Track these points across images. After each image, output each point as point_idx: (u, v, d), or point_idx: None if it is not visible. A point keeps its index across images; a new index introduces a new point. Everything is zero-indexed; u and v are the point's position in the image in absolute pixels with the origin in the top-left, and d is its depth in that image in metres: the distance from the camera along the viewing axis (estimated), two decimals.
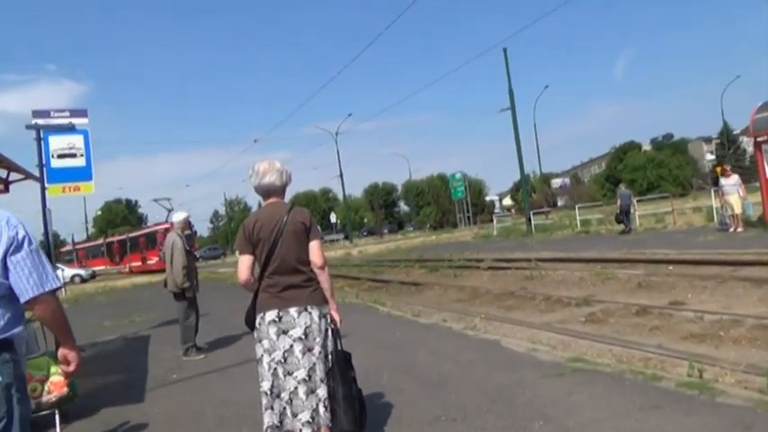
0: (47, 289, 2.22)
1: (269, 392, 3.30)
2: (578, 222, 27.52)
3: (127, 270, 46.81)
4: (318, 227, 3.62)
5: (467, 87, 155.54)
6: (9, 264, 2.17)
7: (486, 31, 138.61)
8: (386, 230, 76.74)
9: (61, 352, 2.39)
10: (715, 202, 19.83)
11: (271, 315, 3.33)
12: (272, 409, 3.29)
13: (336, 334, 3.56)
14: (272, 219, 3.41)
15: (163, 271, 7.85)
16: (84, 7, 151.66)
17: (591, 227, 25.76)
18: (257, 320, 3.40)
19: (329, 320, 3.49)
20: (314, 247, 3.44)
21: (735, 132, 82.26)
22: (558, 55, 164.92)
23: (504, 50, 30.53)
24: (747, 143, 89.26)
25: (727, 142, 74.05)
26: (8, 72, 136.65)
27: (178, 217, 7.81)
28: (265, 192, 3.51)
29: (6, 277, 2.17)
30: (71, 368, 2.42)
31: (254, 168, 3.52)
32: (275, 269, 3.37)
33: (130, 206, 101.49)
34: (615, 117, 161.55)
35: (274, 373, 3.29)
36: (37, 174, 10.04)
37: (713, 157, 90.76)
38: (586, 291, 9.69)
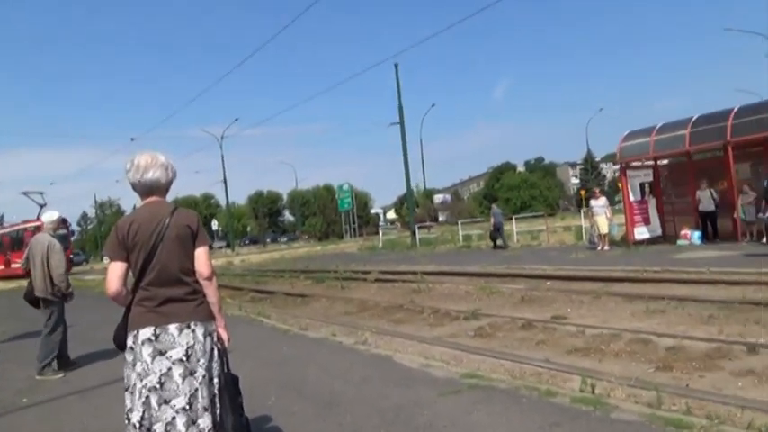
0: None
1: (138, 425, 2.78)
2: (461, 237, 28.43)
3: None
4: (206, 232, 3.16)
5: (356, 100, 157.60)
6: None
7: (378, 45, 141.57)
8: (268, 239, 75.00)
9: None
10: (584, 222, 21.37)
11: (146, 333, 2.82)
12: None
13: (224, 354, 3.11)
14: (151, 220, 2.90)
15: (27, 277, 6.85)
16: None
17: (472, 242, 26.69)
18: (129, 339, 2.87)
19: (215, 339, 3.04)
20: (201, 254, 2.98)
21: (596, 159, 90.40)
22: (445, 74, 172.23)
23: (396, 66, 31.04)
24: (607, 169, 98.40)
25: (590, 168, 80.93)
26: None
27: (50, 216, 6.98)
28: (147, 190, 2.99)
29: None
30: None
31: (134, 162, 2.98)
32: (153, 279, 2.87)
33: None
34: (494, 139, 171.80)
35: (146, 402, 2.77)
36: None
37: (577, 180, 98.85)
38: (473, 304, 9.81)
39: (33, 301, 6.77)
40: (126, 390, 2.84)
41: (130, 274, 2.93)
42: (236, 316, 10.02)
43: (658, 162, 17.39)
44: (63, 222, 30.86)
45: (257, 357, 6.38)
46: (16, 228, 37.63)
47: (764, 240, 13.99)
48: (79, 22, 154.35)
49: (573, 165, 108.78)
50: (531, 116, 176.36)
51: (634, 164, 16.96)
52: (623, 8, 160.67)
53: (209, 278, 2.97)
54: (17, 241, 35.76)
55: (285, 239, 74.06)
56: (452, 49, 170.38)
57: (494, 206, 23.19)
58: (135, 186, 2.99)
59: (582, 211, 22.78)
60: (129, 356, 2.86)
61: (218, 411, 2.95)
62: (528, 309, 9.12)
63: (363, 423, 4.10)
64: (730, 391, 4.56)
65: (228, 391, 3.04)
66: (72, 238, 40.69)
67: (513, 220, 27.59)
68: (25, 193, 28.26)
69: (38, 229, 16.42)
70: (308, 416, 4.36)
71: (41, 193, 28.81)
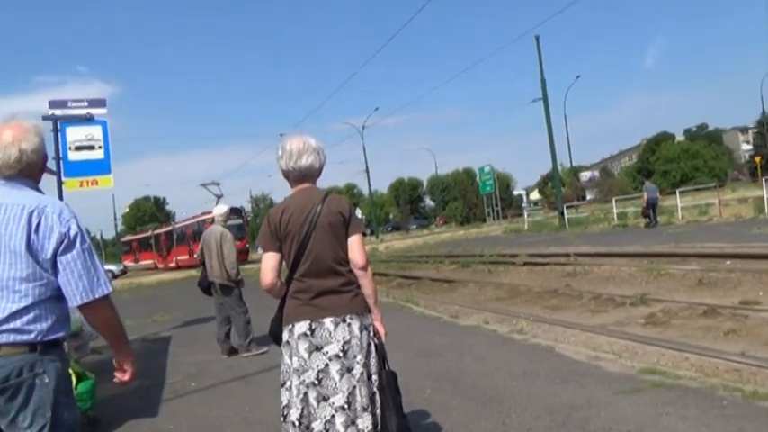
0: (96, 296, 2.04)
1: (297, 423, 2.65)
2: (615, 215, 26.41)
3: (174, 265, 41.68)
4: (360, 218, 2.94)
5: (493, 79, 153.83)
6: (59, 263, 2.00)
7: (515, 19, 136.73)
8: (414, 226, 75.93)
9: (116, 360, 2.27)
10: (767, 193, 18.69)
11: (301, 327, 2.67)
12: None
13: (382, 350, 2.89)
14: (303, 208, 2.74)
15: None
16: (112, 6, 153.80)
17: (628, 220, 24.66)
18: (284, 333, 2.75)
19: (372, 333, 2.83)
20: (354, 242, 2.77)
21: None
22: (590, 44, 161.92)
23: (537, 38, 29.43)
24: None
25: (766, 132, 71.32)
26: (39, 74, 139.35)
27: (220, 210, 7.61)
28: (300, 176, 2.83)
29: (56, 276, 2.01)
30: (126, 377, 2.31)
31: (286, 147, 2.82)
32: (307, 270, 2.71)
33: (158, 203, 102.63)
34: (647, 108, 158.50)
35: (304, 399, 2.63)
36: (53, 168, 9.58)
37: (750, 147, 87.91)
38: (639, 288, 8.87)
39: (206, 288, 7.25)
40: (282, 385, 2.73)
41: (285, 265, 2.82)
42: (385, 303, 9.98)
43: None
44: (236, 213, 32.88)
45: (409, 347, 6.21)
46: (197, 219, 37.74)
47: None
48: (225, 27, 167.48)
49: (743, 129, 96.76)
50: (689, 80, 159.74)
51: None
52: None
53: (363, 268, 2.76)
54: (198, 233, 35.10)
55: (413, 226, 73.85)
56: (596, 15, 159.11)
57: (647, 182, 21.79)
58: (288, 173, 2.85)
59: (764, 179, 19.88)
60: (285, 351, 2.74)
61: (377, 412, 2.74)
62: (707, 293, 8.02)
63: (531, 424, 3.69)
64: None
65: (390, 389, 2.83)
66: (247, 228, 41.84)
67: (677, 193, 24.91)
68: (203, 185, 29.05)
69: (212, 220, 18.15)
70: (469, 412, 4.05)
71: (218, 185, 29.22)
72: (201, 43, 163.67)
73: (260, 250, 3.09)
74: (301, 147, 2.79)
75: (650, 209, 20.37)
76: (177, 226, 44.31)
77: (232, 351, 7.20)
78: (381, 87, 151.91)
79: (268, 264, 2.76)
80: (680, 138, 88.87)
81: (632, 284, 9.47)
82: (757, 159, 58.95)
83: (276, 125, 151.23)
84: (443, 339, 6.57)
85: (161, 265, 45.96)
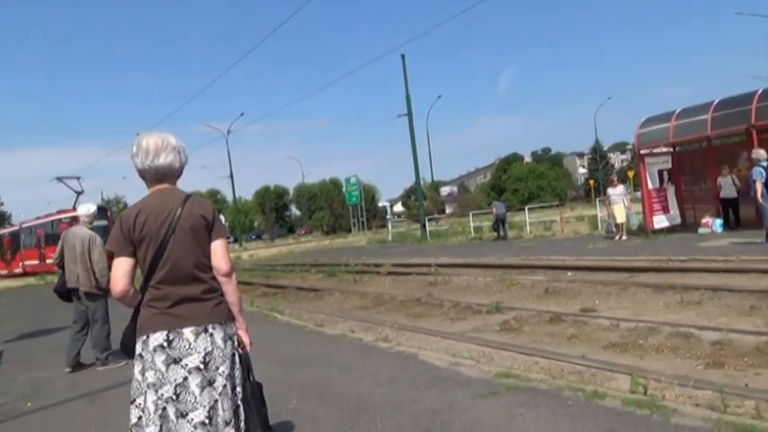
0: None
1: None
2: (472, 229, 28.01)
3: (21, 271, 35.91)
4: (222, 223, 2.78)
5: (361, 92, 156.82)
6: None
7: (384, 35, 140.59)
8: (278, 235, 74.60)
9: None
10: (600, 212, 20.91)
11: (157, 338, 2.46)
12: None
13: (246, 360, 2.76)
14: (161, 211, 2.54)
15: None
16: None
17: (483, 233, 26.27)
18: (138, 345, 2.52)
19: (237, 343, 2.69)
20: (218, 247, 2.61)
21: (604, 149, 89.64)
22: (451, 66, 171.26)
23: (402, 56, 30.51)
24: (615, 159, 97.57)
25: (599, 157, 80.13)
26: None
27: (87, 209, 6.84)
28: (158, 176, 2.61)
29: None
30: None
31: (142, 144, 2.59)
32: (165, 277, 2.51)
33: None
34: (500, 130, 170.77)
35: (163, 416, 2.43)
36: None
37: (585, 170, 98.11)
38: (494, 297, 9.44)
39: (65, 294, 6.63)
40: (131, 402, 2.50)
41: (138, 271, 2.59)
42: (249, 312, 9.65)
43: (677, 148, 16.88)
44: (102, 213, 26.07)
45: (274, 357, 6.03)
46: (51, 219, 32.25)
47: None
48: (84, 17, 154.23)
49: (580, 155, 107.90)
50: (537, 106, 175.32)
51: (654, 151, 16.45)
52: None
53: (227, 274, 2.61)
54: (52, 235, 30.99)
55: (262, 237, 71.93)
56: (457, 39, 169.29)
57: (495, 201, 24.36)
58: (144, 173, 2.62)
59: (597, 200, 22.34)
60: (137, 365, 2.51)
61: (242, 425, 2.61)
62: (553, 301, 8.74)
63: (397, 431, 3.73)
64: None
65: (255, 401, 2.71)
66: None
67: (526, 210, 27.12)
68: (60, 179, 25.20)
69: (74, 220, 16.04)
70: (335, 422, 4.00)
71: (78, 179, 25.48)
72: (40, 31, 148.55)
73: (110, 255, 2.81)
74: (159, 144, 2.59)
75: (499, 224, 22.52)
76: (25, 226, 37.21)
77: (78, 366, 6.53)
78: (248, 92, 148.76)
79: (120, 270, 2.53)
80: (528, 159, 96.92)
81: (488, 293, 10.05)
82: (591, 182, 65.96)
83: (132, 124, 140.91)
84: (309, 349, 6.48)
85: (4, 271, 39.27)
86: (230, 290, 2.63)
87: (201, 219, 2.58)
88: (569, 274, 10.95)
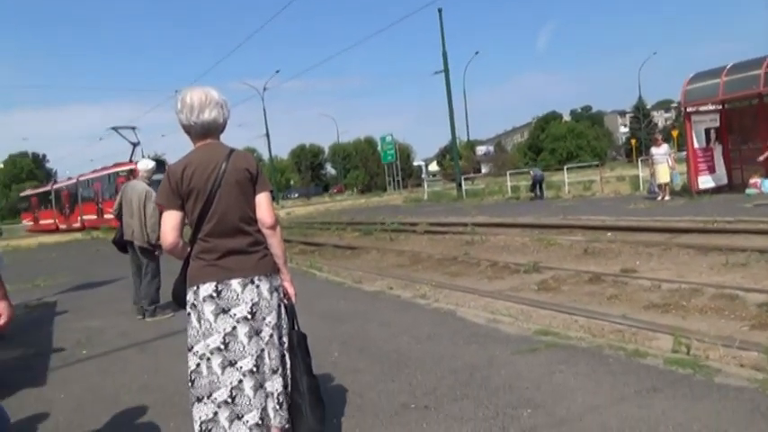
0: None
1: (203, 389, 2.55)
2: (509, 188, 27.70)
3: (79, 225, 34.73)
4: (266, 176, 2.81)
5: (396, 49, 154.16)
6: None
7: None
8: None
9: None
10: (642, 172, 20.36)
11: (207, 289, 2.54)
12: (206, 406, 2.54)
13: (291, 311, 2.83)
14: (207, 165, 2.58)
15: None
16: None
17: (520, 193, 25.95)
18: (189, 296, 2.61)
19: (282, 294, 2.76)
20: (262, 201, 2.66)
21: (647, 107, 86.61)
22: (489, 21, 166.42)
23: (440, 11, 29.78)
24: (659, 117, 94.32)
25: (641, 116, 77.53)
26: None
27: (146, 164, 7.04)
28: (203, 131, 2.64)
29: None
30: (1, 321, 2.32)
31: (186, 100, 2.62)
32: (212, 230, 2.57)
33: (37, 160, 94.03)
34: (538, 88, 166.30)
35: (209, 365, 2.53)
36: None
37: (627, 130, 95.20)
38: (532, 257, 9.38)
39: (123, 246, 6.87)
40: (189, 350, 2.60)
41: (188, 224, 2.66)
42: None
43: (726, 106, 16.19)
44: (161, 166, 25.40)
45: (315, 312, 6.17)
46: (108, 172, 30.65)
47: None
48: None
49: (622, 113, 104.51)
50: (577, 63, 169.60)
51: (701, 109, 15.82)
52: None
53: (272, 227, 2.66)
54: (109, 188, 30.06)
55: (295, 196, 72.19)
56: None
57: (533, 168, 26.10)
58: (189, 128, 2.65)
59: (639, 160, 21.75)
60: (192, 313, 2.60)
61: (287, 373, 2.70)
62: (592, 261, 8.64)
63: (436, 384, 3.80)
64: None
65: (301, 350, 2.78)
66: None
67: (564, 170, 26.61)
68: (115, 129, 24.92)
69: (131, 173, 16.29)
70: (376, 375, 4.10)
71: (134, 129, 24.95)
72: None
73: (159, 209, 2.88)
74: (203, 99, 2.61)
75: (537, 185, 22.63)
76: (83, 179, 35.10)
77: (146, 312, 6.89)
78: (284, 49, 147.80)
79: (169, 223, 2.59)
80: (567, 118, 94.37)
81: (525, 253, 9.99)
82: (633, 141, 64.05)
83: (170, 81, 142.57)
84: (348, 304, 6.60)
85: (63, 226, 37.98)
86: (275, 242, 2.68)
87: (246, 172, 2.61)
88: (609, 234, 10.77)
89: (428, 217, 18.38)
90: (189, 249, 2.66)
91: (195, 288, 2.57)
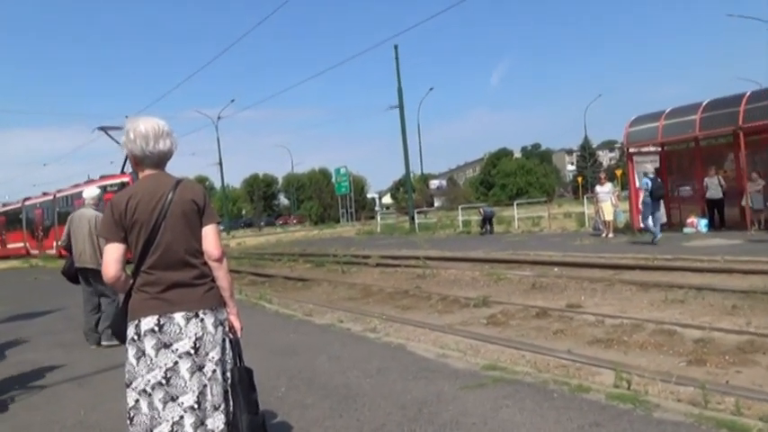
0: None
1: (142, 426, 2.46)
2: (460, 222, 28.11)
3: (55, 252, 26.79)
4: (213, 208, 2.78)
5: (353, 83, 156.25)
6: None
7: (377, 25, 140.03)
8: (262, 222, 74.26)
9: None
10: (587, 209, 21.07)
11: (148, 323, 2.47)
12: None
13: (237, 345, 2.77)
14: (153, 195, 2.53)
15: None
16: None
17: (472, 227, 26.37)
18: (130, 330, 2.53)
19: (227, 328, 2.70)
20: (209, 233, 2.61)
21: (593, 146, 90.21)
22: (444, 59, 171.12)
23: (396, 47, 30.53)
24: (603, 156, 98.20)
25: (587, 155, 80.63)
26: None
27: (91, 192, 7.14)
28: (157, 161, 2.61)
29: None
30: None
31: (140, 129, 2.57)
32: (156, 262, 2.51)
33: None
34: (491, 124, 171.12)
35: (150, 401, 2.44)
36: None
37: (574, 167, 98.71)
38: (482, 291, 9.51)
39: (73, 276, 6.85)
40: (128, 386, 2.50)
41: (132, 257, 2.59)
42: (237, 300, 9.55)
43: (665, 148, 17.05)
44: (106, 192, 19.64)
45: (263, 345, 6.06)
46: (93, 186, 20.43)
47: None
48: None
49: (569, 151, 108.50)
50: (528, 102, 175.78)
51: (642, 150, 16.61)
52: None
53: (219, 260, 2.61)
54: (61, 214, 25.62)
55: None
56: (451, 32, 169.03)
57: (484, 206, 26.21)
58: (143, 159, 2.60)
59: (585, 197, 22.56)
60: (131, 349, 2.51)
61: (230, 410, 2.63)
62: (540, 296, 8.82)
63: (384, 420, 3.78)
64: None
65: (243, 387, 2.71)
66: None
67: (514, 206, 27.27)
68: (104, 129, 21.35)
69: (122, 188, 15.40)
70: (324, 410, 4.04)
71: (120, 128, 21.36)
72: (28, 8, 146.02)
73: (102, 241, 2.80)
74: (157, 129, 2.59)
75: (486, 222, 23.17)
76: (62, 195, 28.52)
77: (99, 342, 6.77)
78: (239, 79, 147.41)
79: (112, 255, 2.52)
80: (517, 154, 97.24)
81: (475, 287, 10.12)
82: (579, 179, 66.35)
83: (120, 108, 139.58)
84: (298, 338, 6.51)
85: (35, 251, 31.77)
86: (221, 275, 2.63)
87: (192, 203, 2.57)
88: (556, 269, 11.06)
89: (380, 250, 18.43)
90: (132, 282, 2.59)
91: (136, 322, 2.50)
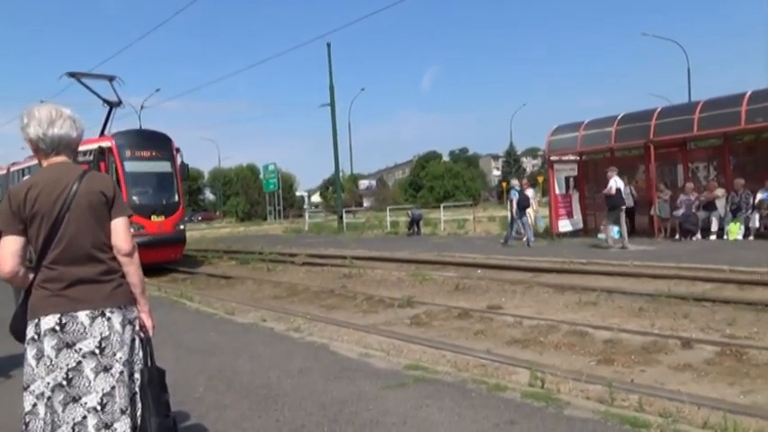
0: None
1: (42, 429, 2.31)
2: (389, 223, 28.33)
3: None
4: (124, 200, 2.64)
5: (283, 78, 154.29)
6: None
7: (309, 22, 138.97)
8: (186, 218, 71.96)
9: None
10: (510, 214, 21.79)
11: (49, 322, 2.32)
12: None
13: (148, 345, 2.65)
14: (55, 185, 2.38)
15: None
16: None
17: (400, 228, 26.63)
18: (30, 329, 2.36)
19: (138, 327, 2.58)
20: (119, 226, 2.48)
21: (518, 153, 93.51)
22: (375, 60, 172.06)
23: (328, 45, 30.27)
24: (527, 163, 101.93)
25: (512, 161, 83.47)
26: None
27: None
28: (53, 146, 2.45)
29: None
30: None
31: (35, 113, 2.42)
32: (59, 256, 2.36)
33: None
34: (420, 127, 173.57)
35: (48, 404, 2.30)
36: None
37: (499, 172, 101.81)
38: (407, 291, 9.63)
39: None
40: (25, 389, 2.35)
41: (32, 251, 2.42)
42: (156, 298, 9.33)
43: (583, 157, 17.88)
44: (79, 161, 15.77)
45: (182, 345, 5.85)
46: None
47: (677, 236, 14.70)
48: None
49: (495, 157, 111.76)
50: (457, 106, 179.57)
51: (563, 158, 17.35)
52: (546, 8, 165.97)
53: (129, 254, 2.48)
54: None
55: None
56: (384, 33, 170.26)
57: (413, 208, 26.19)
58: (38, 143, 2.44)
59: (508, 201, 23.32)
60: (30, 350, 2.35)
61: (138, 413, 2.51)
62: (462, 297, 9.03)
63: (304, 420, 3.74)
64: (672, 386, 4.58)
65: (152, 388, 2.59)
66: None
67: (441, 208, 27.78)
68: (74, 75, 14.66)
69: (103, 154, 13.28)
70: (242, 411, 3.95)
71: (111, 79, 14.94)
72: None
73: None
74: (53, 113, 2.44)
75: (414, 224, 23.35)
76: (16, 168, 21.33)
77: None
78: (163, 67, 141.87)
79: (8, 249, 2.35)
80: (446, 158, 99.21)
81: (401, 288, 10.23)
82: (504, 184, 68.54)
83: (36, 92, 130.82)
84: (218, 337, 6.33)
85: None
86: (132, 271, 2.51)
87: (101, 195, 2.44)
88: (479, 271, 11.36)
89: (308, 248, 18.26)
90: (32, 277, 2.42)
91: (36, 321, 2.35)
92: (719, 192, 14.18)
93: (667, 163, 16.21)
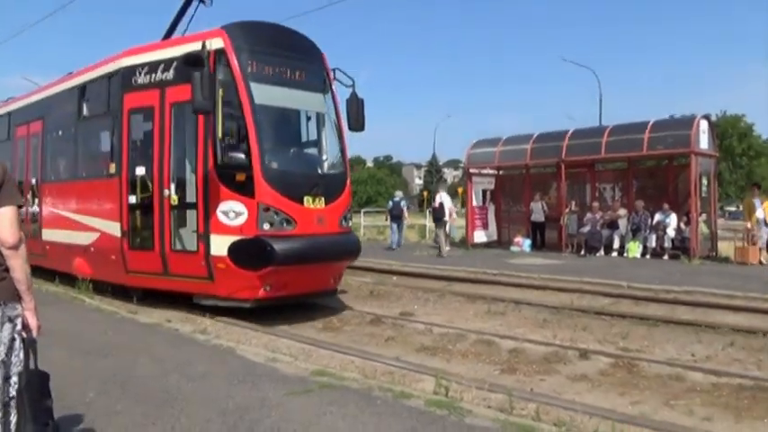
0: None
1: None
2: None
3: None
4: (15, 187, 2.45)
5: None
6: None
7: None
8: None
9: None
10: (428, 222, 22.19)
11: None
12: None
13: (31, 346, 2.46)
14: None
15: None
16: None
17: None
18: None
19: (20, 326, 2.39)
20: (5, 215, 2.31)
21: (440, 163, 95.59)
22: None
23: None
24: (449, 174, 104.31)
25: (434, 170, 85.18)
26: None
27: None
28: None
29: None
30: None
31: None
32: None
33: None
34: (345, 131, 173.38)
35: None
36: None
37: (421, 181, 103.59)
38: None
39: None
40: None
41: None
42: (51, 293, 8.74)
43: (501, 171, 18.52)
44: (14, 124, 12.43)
45: (75, 345, 5.49)
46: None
47: (582, 252, 15.50)
48: None
49: (418, 166, 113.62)
50: (383, 114, 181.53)
51: (481, 171, 17.88)
52: (481, 21, 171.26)
53: (13, 247, 2.31)
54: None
55: None
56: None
57: None
58: None
59: (428, 211, 23.78)
60: None
61: (13, 420, 2.32)
62: (376, 303, 9.07)
63: (202, 427, 3.59)
64: (569, 395, 4.78)
65: (30, 393, 2.41)
66: None
67: (362, 213, 27.89)
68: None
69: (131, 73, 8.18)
70: (135, 417, 3.74)
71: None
72: None
73: None
74: None
75: None
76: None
77: None
78: (77, 41, 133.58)
79: None
80: (370, 164, 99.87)
81: None
82: (425, 193, 69.76)
83: None
84: (117, 337, 5.99)
85: None
86: (16, 264, 2.33)
87: None
88: (395, 278, 11.46)
89: None
90: None
91: None
92: (622, 212, 15.07)
93: (577, 182, 17.06)
